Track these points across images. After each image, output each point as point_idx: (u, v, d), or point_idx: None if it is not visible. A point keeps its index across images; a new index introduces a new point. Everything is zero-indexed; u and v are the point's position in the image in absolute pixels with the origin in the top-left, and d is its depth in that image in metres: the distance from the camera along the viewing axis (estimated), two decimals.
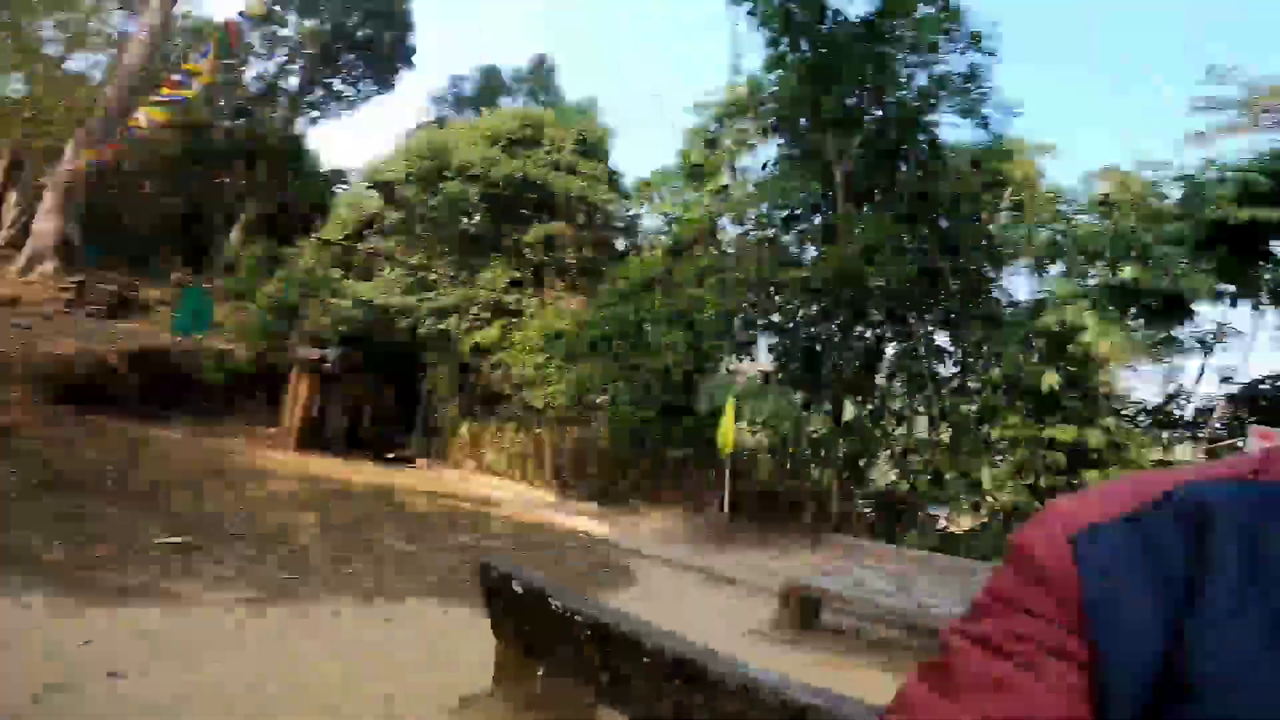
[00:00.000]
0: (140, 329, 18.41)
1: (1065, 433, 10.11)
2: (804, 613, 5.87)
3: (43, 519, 5.84)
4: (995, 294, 12.38)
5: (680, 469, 12.40)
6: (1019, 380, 10.40)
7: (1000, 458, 11.13)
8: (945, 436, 11.94)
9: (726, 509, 10.83)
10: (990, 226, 12.20)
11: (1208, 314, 10.87)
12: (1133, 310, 10.53)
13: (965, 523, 11.88)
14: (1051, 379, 10.09)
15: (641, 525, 10.91)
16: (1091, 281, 10.72)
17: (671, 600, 6.85)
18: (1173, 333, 10.76)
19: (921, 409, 12.82)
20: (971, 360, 12.46)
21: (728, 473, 10.89)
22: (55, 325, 16.49)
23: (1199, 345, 11.54)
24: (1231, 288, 9.94)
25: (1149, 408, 12.87)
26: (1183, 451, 11.85)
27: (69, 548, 5.19)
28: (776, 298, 12.92)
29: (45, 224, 20.54)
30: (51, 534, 5.44)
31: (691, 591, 7.53)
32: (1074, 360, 10.72)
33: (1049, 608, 0.48)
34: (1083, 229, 11.43)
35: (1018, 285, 13.20)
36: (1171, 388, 12.61)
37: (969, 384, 12.21)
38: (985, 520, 11.30)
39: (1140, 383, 12.51)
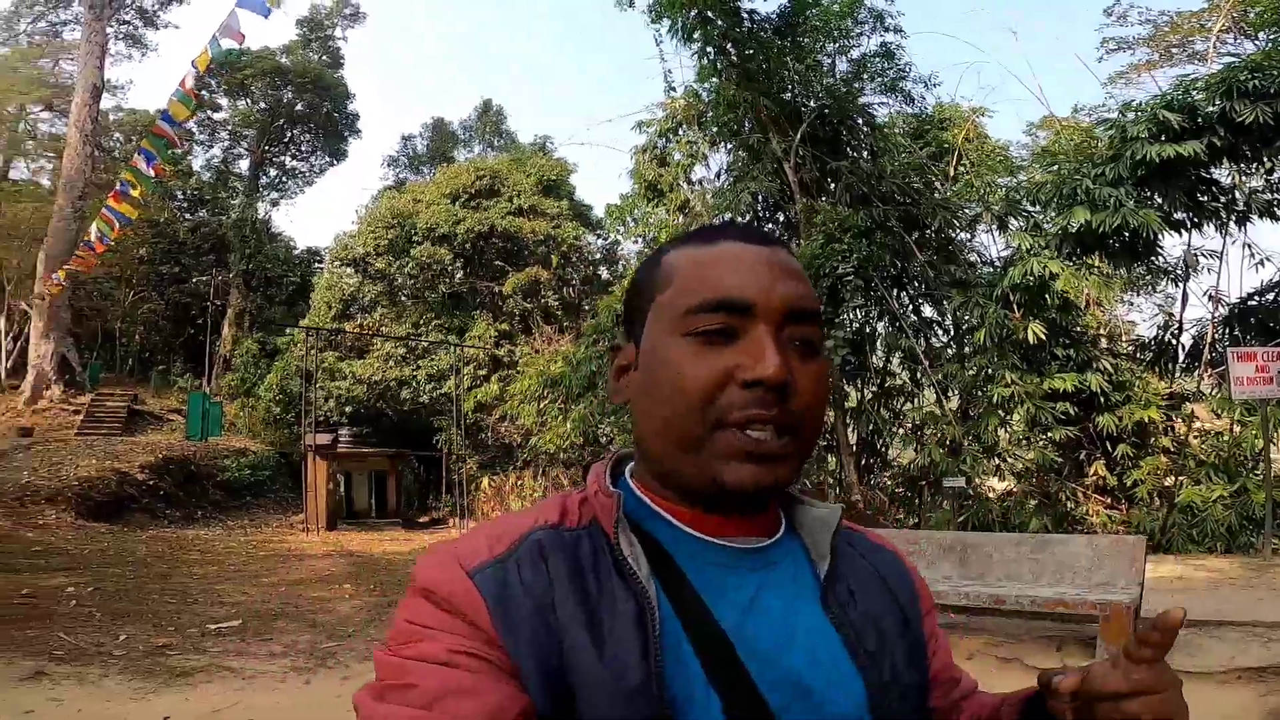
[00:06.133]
0: (155, 440, 18.94)
1: (1065, 381, 10.24)
2: None
3: (105, 618, 6.39)
4: (965, 257, 12.71)
5: None
6: (1006, 337, 10.62)
7: (1009, 416, 11.34)
8: (953, 406, 12.12)
9: None
10: (946, 192, 12.57)
11: (1178, 244, 11.16)
12: (1097, 253, 10.84)
13: (996, 487, 11.99)
14: (1036, 330, 10.32)
15: None
16: (1050, 230, 11.02)
17: None
18: (1140, 268, 11.01)
19: (924, 382, 13.04)
20: (959, 326, 12.75)
21: None
22: (72, 448, 17.00)
23: (1169, 275, 11.74)
24: (1186, 217, 10.23)
25: (1145, 342, 13.13)
26: (1189, 383, 11.99)
27: (134, 641, 5.70)
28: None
29: (40, 349, 21.02)
30: (116, 631, 5.96)
31: None
32: (1053, 309, 11.00)
33: (470, 631, 0.58)
34: (1030, 180, 11.79)
35: (985, 245, 13.54)
36: (1160, 320, 12.78)
37: (965, 350, 12.44)
38: (1013, 483, 11.44)
39: (1141, 319, 12.56)
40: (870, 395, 13.64)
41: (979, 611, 5.14)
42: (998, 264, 12.40)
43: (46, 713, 4.07)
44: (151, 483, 16.16)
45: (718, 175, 14.56)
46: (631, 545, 0.63)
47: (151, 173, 11.70)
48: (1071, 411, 10.57)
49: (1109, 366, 10.82)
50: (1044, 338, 10.45)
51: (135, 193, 11.71)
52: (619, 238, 17.59)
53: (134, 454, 17.08)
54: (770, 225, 14.22)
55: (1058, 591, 4.81)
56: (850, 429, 13.25)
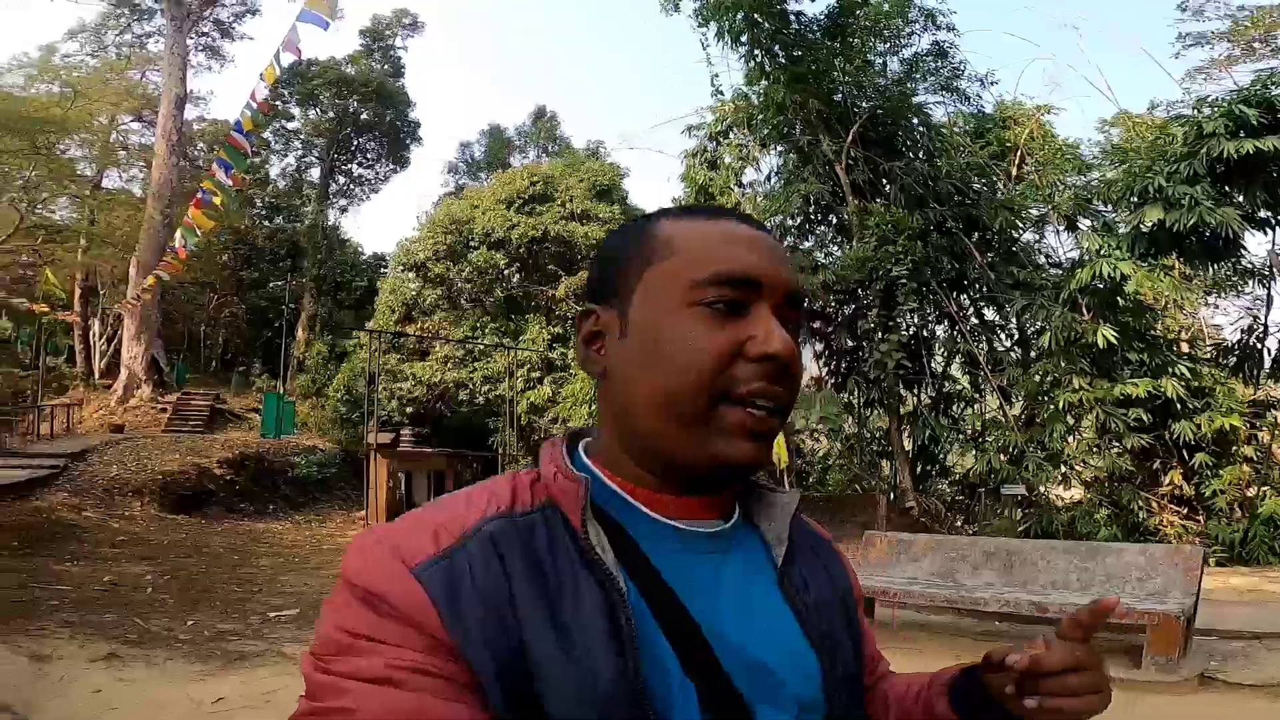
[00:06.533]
0: (233, 438, 20.00)
1: (1138, 387, 9.81)
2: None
3: (177, 605, 6.81)
4: (1029, 258, 12.27)
5: None
6: (1074, 341, 10.22)
7: (1077, 423, 10.91)
8: (1015, 412, 11.73)
9: None
10: (1010, 192, 12.18)
11: (1263, 244, 10.50)
12: (1172, 253, 10.33)
13: (1064, 495, 11.56)
14: (1107, 333, 9.90)
15: None
16: (1122, 230, 10.56)
17: None
18: (1223, 269, 10.44)
19: (986, 388, 12.65)
20: (1024, 330, 12.31)
21: (787, 484, 11.08)
22: (158, 444, 18.11)
23: (1254, 276, 11.10)
24: (1271, 216, 9.66)
25: (1228, 347, 12.40)
26: (1275, 389, 11.32)
27: (200, 626, 6.06)
28: (805, 305, 13.14)
29: (132, 350, 22.32)
30: (185, 617, 6.35)
31: None
32: (1126, 312, 10.51)
33: (416, 639, 0.53)
34: (1101, 179, 11.33)
35: (1052, 245, 13.02)
36: (1244, 323, 12.08)
37: (1030, 354, 12.02)
38: (1082, 492, 11.01)
39: (1228, 323, 11.92)
40: (928, 401, 13.32)
41: (1020, 619, 5.01)
42: (1065, 265, 11.93)
43: (114, 691, 4.36)
44: (228, 478, 17.09)
45: (767, 178, 14.48)
46: (598, 533, 0.59)
47: (229, 182, 12.23)
48: (1145, 418, 10.08)
49: (1186, 372, 10.26)
50: (1115, 342, 10.01)
51: (216, 201, 12.06)
52: None
53: (213, 450, 18.10)
54: (822, 228, 14.06)
55: None
56: (906, 434, 12.96)
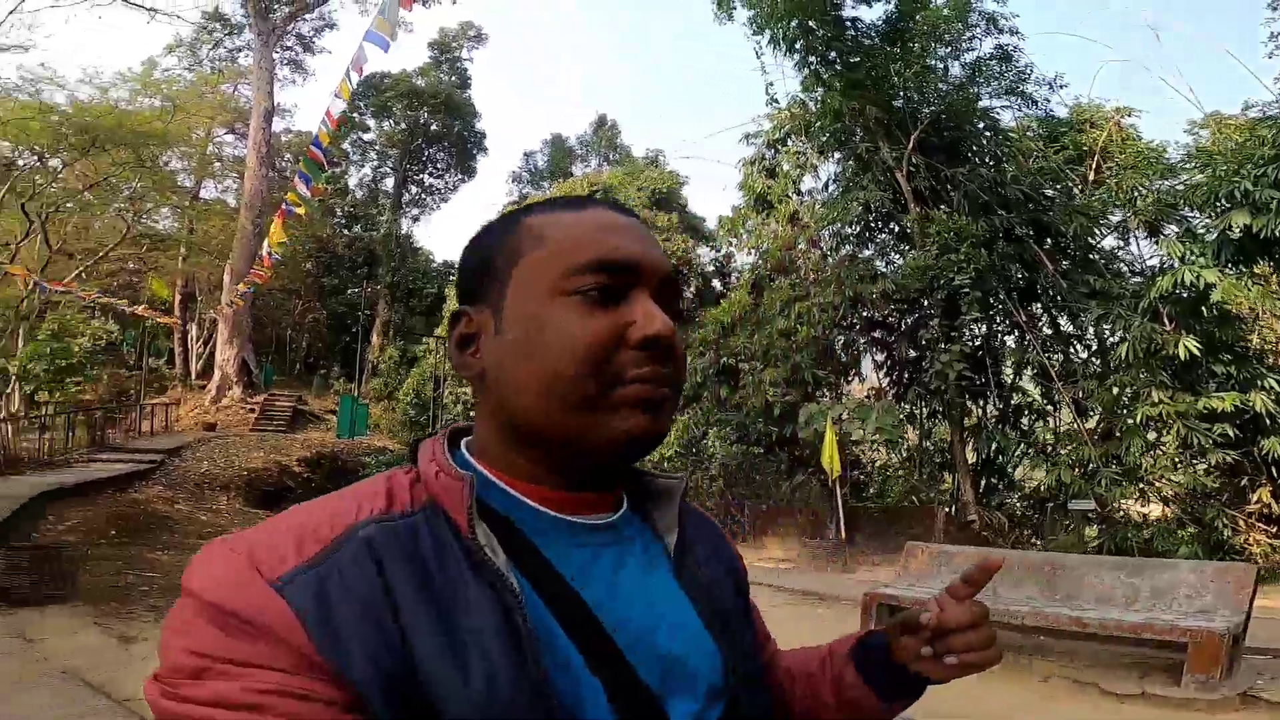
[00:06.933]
0: (312, 438, 21.15)
1: (1224, 401, 9.28)
2: (883, 620, 5.92)
3: None
4: (1112, 265, 11.74)
5: (793, 497, 12.52)
6: (1154, 352, 9.74)
7: (1156, 438, 10.39)
8: (1091, 425, 11.26)
9: (842, 531, 10.82)
10: (1089, 198, 11.71)
11: None
12: (1264, 260, 9.74)
13: (1143, 511, 11.03)
14: (1189, 344, 9.41)
15: (759, 556, 11.12)
16: (1210, 236, 10.02)
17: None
18: None
19: (1059, 400, 12.17)
20: (1102, 340, 11.79)
21: (839, 495, 10.93)
22: (246, 442, 19.34)
23: None
24: None
25: None
26: None
27: None
28: (865, 314, 12.93)
29: (225, 353, 23.73)
30: None
31: (780, 611, 7.61)
32: (1211, 322, 9.95)
33: (283, 659, 0.48)
34: (1185, 183, 10.77)
35: (1133, 253, 12.39)
36: None
37: (1110, 364, 11.51)
38: (1163, 509, 10.49)
39: None
40: (995, 413, 12.89)
41: (1060, 634, 4.88)
42: (1146, 273, 11.37)
43: None
44: (305, 475, 18.10)
45: (825, 186, 14.30)
46: (486, 533, 0.56)
47: (310, 194, 12.88)
48: (1232, 434, 9.52)
49: (1277, 385, 9.63)
50: (1198, 353, 9.48)
51: (300, 211, 12.50)
52: (732, 250, 17.62)
53: (293, 449, 19.22)
54: (883, 235, 13.80)
55: (1148, 617, 4.51)
56: (969, 447, 12.57)
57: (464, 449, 0.66)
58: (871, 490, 13.85)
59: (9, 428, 14.01)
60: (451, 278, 28.40)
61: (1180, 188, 10.74)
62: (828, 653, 0.80)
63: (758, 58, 12.20)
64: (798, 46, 11.22)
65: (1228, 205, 9.06)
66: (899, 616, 0.73)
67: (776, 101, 13.12)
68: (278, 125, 28.00)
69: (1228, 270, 9.39)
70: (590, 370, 0.58)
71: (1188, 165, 10.92)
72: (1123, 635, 4.60)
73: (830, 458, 10.37)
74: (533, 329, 0.60)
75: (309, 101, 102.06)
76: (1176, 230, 10.84)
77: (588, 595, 0.58)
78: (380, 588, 0.52)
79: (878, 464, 14.41)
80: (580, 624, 0.57)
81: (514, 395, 0.60)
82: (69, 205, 19.87)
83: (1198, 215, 10.70)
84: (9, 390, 17.80)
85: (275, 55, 25.51)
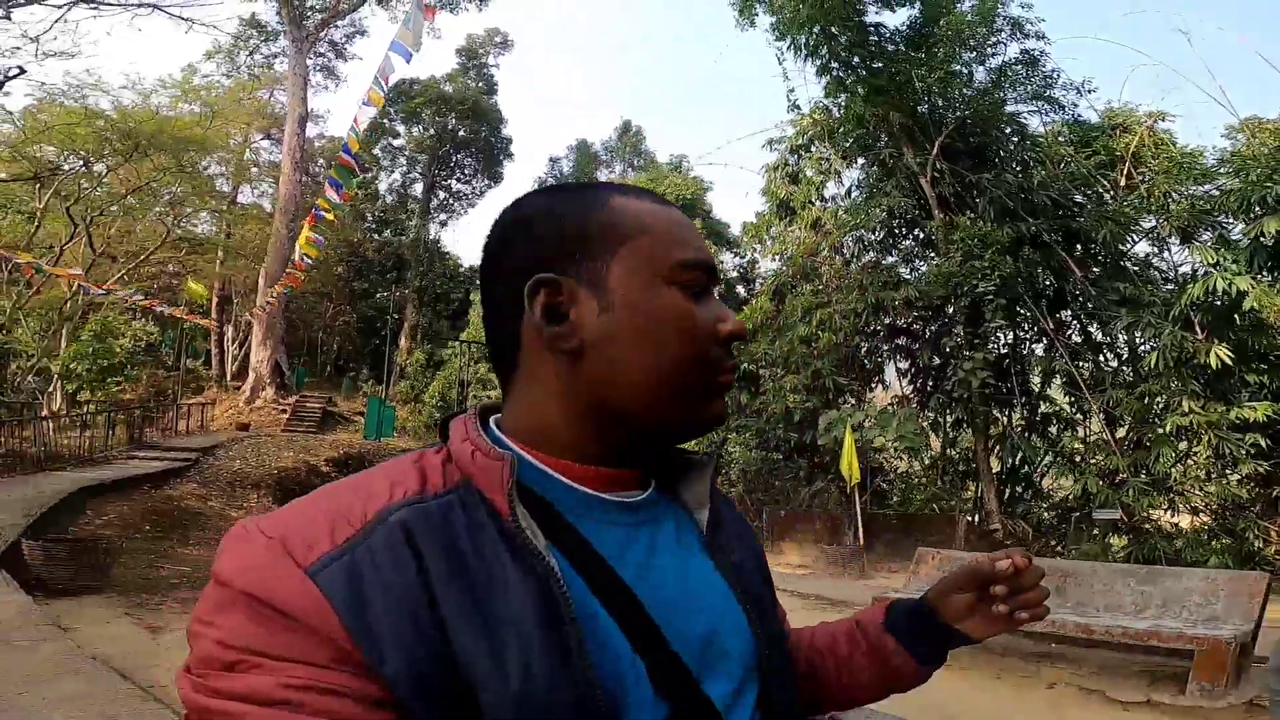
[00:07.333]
0: (340, 439, 21.57)
1: (1256, 411, 9.11)
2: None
3: None
4: (1139, 272, 11.55)
5: (812, 503, 12.48)
6: (1185, 360, 9.56)
7: (1190, 447, 10.19)
8: (1119, 434, 11.08)
9: (860, 537, 10.78)
10: (1120, 203, 11.53)
11: None
12: None
13: (1174, 522, 10.84)
14: (1221, 353, 9.22)
15: (776, 561, 11.12)
16: (1243, 242, 9.82)
17: None
18: None
19: (1087, 409, 11.98)
20: (1133, 348, 11.59)
21: (857, 502, 10.88)
22: (277, 442, 19.80)
23: None
24: None
25: None
26: None
27: None
28: (888, 321, 12.85)
29: (259, 355, 24.21)
30: None
31: (794, 617, 7.61)
32: (1243, 330, 9.74)
33: (317, 652, 0.47)
34: (1220, 188, 10.57)
35: (1166, 260, 12.16)
36: None
37: (1140, 372, 11.31)
38: (1193, 519, 10.29)
39: None
40: (1021, 421, 12.72)
41: (1069, 641, 4.86)
42: (1178, 280, 11.15)
43: None
44: (333, 475, 18.45)
45: (848, 192, 14.25)
46: (525, 514, 0.54)
47: (341, 199, 13.12)
48: (1264, 444, 9.31)
49: None
50: (1230, 362, 9.29)
51: (329, 217, 12.70)
52: (756, 256, 17.60)
53: (322, 450, 19.62)
54: (907, 242, 13.71)
55: (1156, 624, 4.48)
56: (994, 455, 12.43)
57: (494, 426, 0.63)
58: (894, 498, 13.74)
59: (51, 425, 14.51)
60: (478, 282, 28.71)
61: (1215, 193, 10.54)
62: (853, 627, 0.81)
63: (780, 64, 12.22)
64: (820, 53, 11.22)
65: (1261, 211, 8.88)
66: (965, 565, 0.75)
67: (798, 107, 13.13)
68: (311, 130, 28.50)
69: (1260, 277, 9.20)
70: (702, 359, 0.60)
71: (1222, 170, 10.73)
72: (1130, 642, 4.59)
73: (849, 464, 10.34)
74: (650, 314, 0.59)
75: (341, 107, 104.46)
76: (1210, 237, 10.65)
77: (625, 574, 0.57)
78: (415, 574, 0.50)
79: (900, 471, 14.29)
80: (622, 605, 0.56)
81: (620, 374, 0.59)
82: (112, 209, 20.46)
83: (1232, 221, 10.51)
84: (51, 389, 18.45)
85: (309, 61, 26.04)
